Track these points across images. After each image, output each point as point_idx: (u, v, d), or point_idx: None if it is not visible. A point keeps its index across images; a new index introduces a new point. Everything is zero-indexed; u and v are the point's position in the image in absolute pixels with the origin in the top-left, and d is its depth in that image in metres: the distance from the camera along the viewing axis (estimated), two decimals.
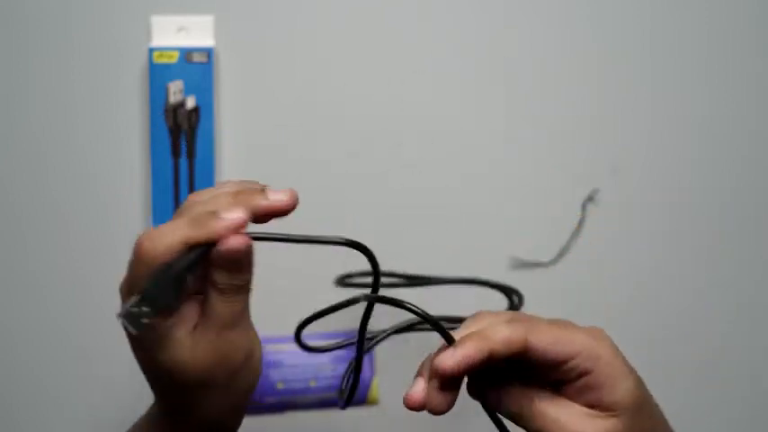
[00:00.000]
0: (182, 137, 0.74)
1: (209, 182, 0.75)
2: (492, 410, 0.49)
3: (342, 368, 0.74)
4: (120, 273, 0.73)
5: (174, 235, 0.48)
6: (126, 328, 0.46)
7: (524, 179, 0.76)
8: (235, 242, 0.48)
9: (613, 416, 0.47)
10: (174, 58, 0.74)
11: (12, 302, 0.74)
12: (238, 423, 0.56)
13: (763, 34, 0.80)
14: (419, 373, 0.49)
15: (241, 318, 0.51)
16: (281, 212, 0.49)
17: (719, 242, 0.78)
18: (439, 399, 0.48)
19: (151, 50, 0.74)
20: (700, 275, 0.78)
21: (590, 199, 0.76)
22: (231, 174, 0.76)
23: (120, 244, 0.75)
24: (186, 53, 0.74)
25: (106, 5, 0.76)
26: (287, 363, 0.74)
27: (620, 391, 0.47)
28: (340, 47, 0.77)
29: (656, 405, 0.52)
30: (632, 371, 0.49)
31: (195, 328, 0.50)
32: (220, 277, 0.49)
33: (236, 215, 0.48)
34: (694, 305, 0.78)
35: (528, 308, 0.72)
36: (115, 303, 0.73)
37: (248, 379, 0.54)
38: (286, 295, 0.75)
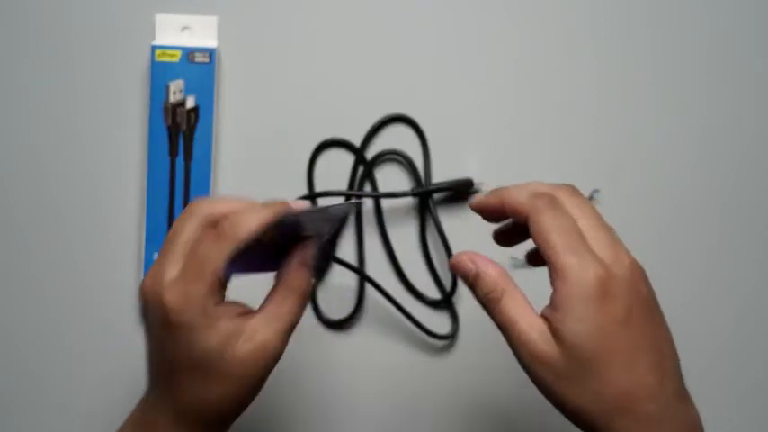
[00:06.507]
0: (180, 136, 0.74)
1: (206, 183, 0.74)
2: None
3: None
4: (112, 269, 0.74)
5: (256, 219, 0.54)
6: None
7: (524, 179, 0.76)
8: None
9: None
10: (177, 57, 0.74)
11: (6, 301, 0.75)
12: (233, 419, 0.56)
13: (763, 34, 0.80)
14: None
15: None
16: None
17: (720, 242, 0.77)
18: None
19: (154, 48, 0.74)
20: (700, 276, 0.77)
21: (590, 199, 0.76)
22: (229, 175, 0.76)
23: (112, 240, 0.76)
24: (189, 53, 0.74)
25: (111, 0, 0.77)
26: None
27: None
28: (342, 52, 0.78)
29: None
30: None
31: (259, 311, 0.55)
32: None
33: (303, 204, 0.57)
34: (694, 305, 0.77)
35: None
36: (109, 299, 0.75)
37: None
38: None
